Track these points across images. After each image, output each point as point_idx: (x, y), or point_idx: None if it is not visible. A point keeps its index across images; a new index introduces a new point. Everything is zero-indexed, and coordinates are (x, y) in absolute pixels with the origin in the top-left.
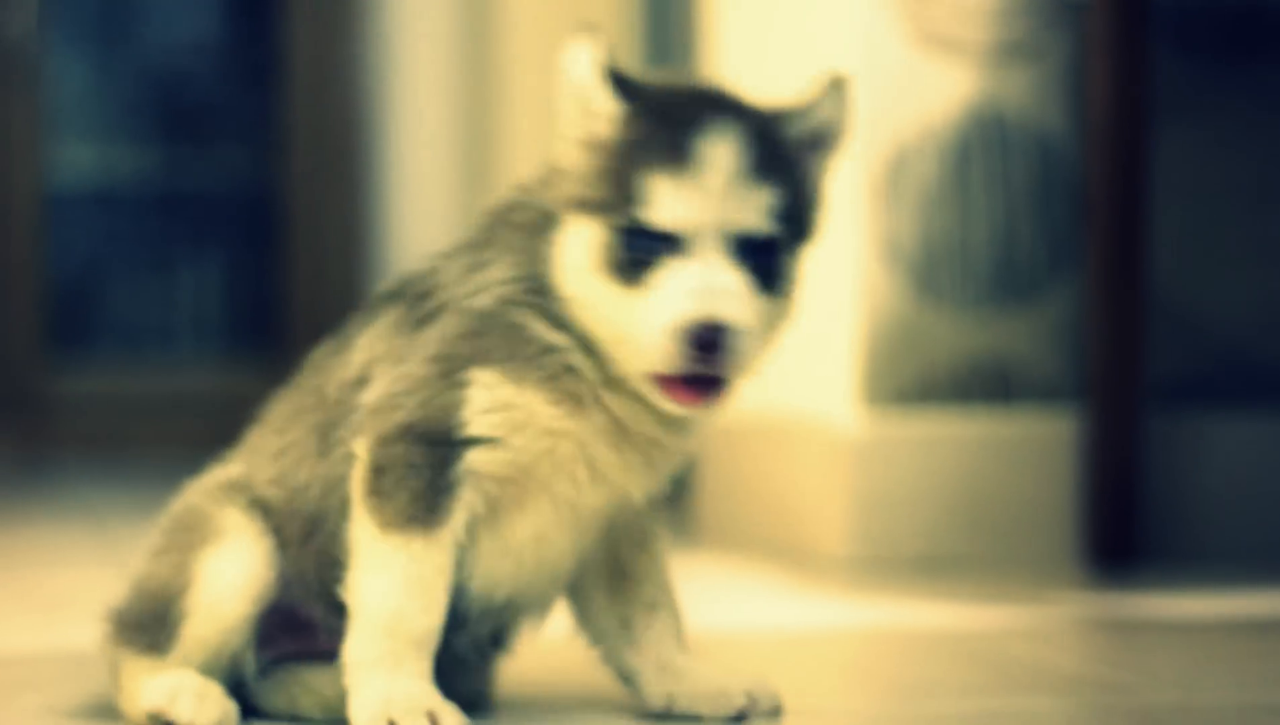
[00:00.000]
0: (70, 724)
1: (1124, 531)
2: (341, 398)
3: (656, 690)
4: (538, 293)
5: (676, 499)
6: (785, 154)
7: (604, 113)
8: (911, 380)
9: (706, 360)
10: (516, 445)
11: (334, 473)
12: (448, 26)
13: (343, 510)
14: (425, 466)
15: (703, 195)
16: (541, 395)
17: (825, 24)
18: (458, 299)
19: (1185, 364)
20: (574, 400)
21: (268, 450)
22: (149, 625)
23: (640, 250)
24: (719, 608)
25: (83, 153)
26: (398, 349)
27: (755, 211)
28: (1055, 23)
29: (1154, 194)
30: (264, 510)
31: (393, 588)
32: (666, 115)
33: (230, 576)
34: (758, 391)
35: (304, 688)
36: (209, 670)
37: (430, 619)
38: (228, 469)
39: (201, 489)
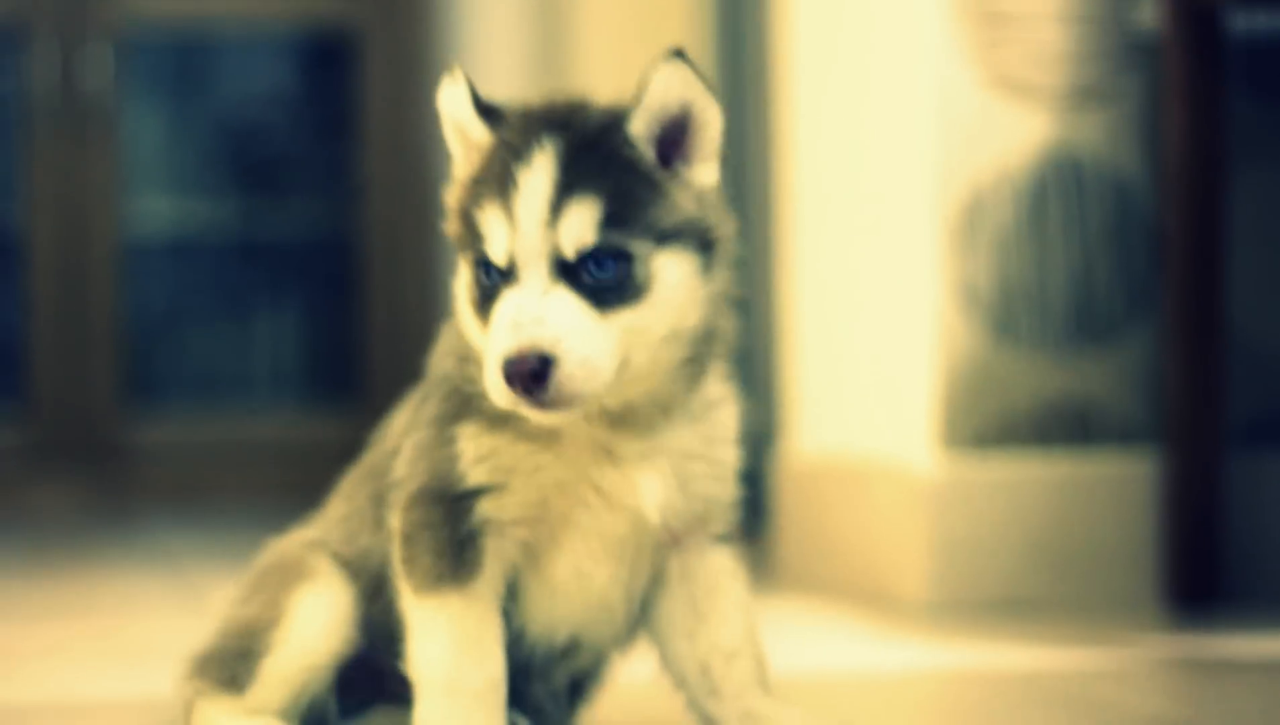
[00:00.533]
0: None
1: (1204, 572)
2: (385, 468)
3: None
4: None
5: (755, 542)
6: (621, 159)
7: (477, 145)
8: (990, 423)
9: (531, 391)
10: (517, 486)
11: (387, 543)
12: (522, 74)
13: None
14: (443, 525)
15: (523, 223)
16: (512, 435)
17: (898, 69)
18: (433, 363)
19: (1264, 404)
20: (540, 432)
21: (337, 516)
22: (231, 661)
23: (488, 284)
24: (799, 651)
25: (159, 204)
26: (415, 419)
27: (579, 228)
28: (1129, 66)
29: (1230, 235)
30: (343, 564)
31: (441, 649)
32: (506, 144)
33: (321, 614)
34: (837, 435)
35: None
36: (288, 712)
37: (486, 671)
38: (306, 531)
39: (286, 544)
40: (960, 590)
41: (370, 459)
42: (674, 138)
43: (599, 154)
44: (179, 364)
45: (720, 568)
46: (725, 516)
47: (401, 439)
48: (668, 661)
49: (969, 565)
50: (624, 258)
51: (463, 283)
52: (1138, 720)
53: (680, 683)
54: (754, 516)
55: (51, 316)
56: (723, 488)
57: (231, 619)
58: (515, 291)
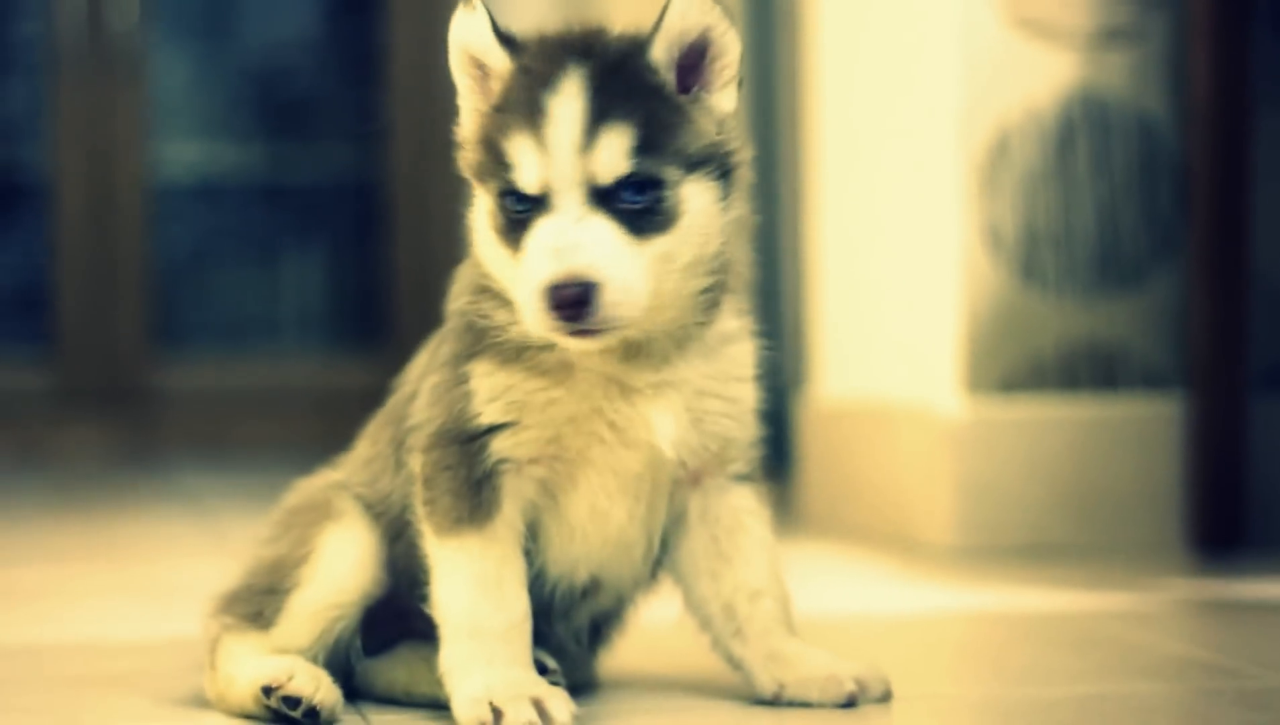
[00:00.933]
0: (181, 712)
1: (1229, 516)
2: (404, 413)
3: (765, 678)
4: (487, 278)
5: (779, 484)
6: (648, 85)
7: (497, 74)
8: (1015, 367)
9: (575, 317)
10: (530, 422)
11: (406, 487)
12: (551, 16)
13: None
14: (460, 465)
15: (556, 150)
16: (524, 372)
17: (923, 8)
18: (449, 304)
19: None
20: (553, 368)
21: (360, 459)
22: (257, 597)
23: (516, 214)
24: (823, 593)
25: (186, 148)
26: (430, 363)
27: (613, 155)
28: (1154, 5)
29: (1256, 177)
30: (366, 506)
31: (462, 590)
32: (530, 72)
33: (349, 553)
34: (862, 378)
35: (429, 665)
36: (313, 649)
37: (509, 612)
38: (332, 473)
39: (312, 485)
40: (985, 534)
41: (391, 403)
42: (693, 64)
43: (627, 80)
44: (205, 308)
45: (742, 507)
46: (745, 455)
47: (419, 382)
48: (691, 603)
49: (993, 509)
50: (656, 185)
51: (483, 214)
52: (1162, 662)
53: (705, 624)
54: (778, 459)
55: (78, 260)
56: (740, 425)
57: (258, 557)
58: (550, 219)
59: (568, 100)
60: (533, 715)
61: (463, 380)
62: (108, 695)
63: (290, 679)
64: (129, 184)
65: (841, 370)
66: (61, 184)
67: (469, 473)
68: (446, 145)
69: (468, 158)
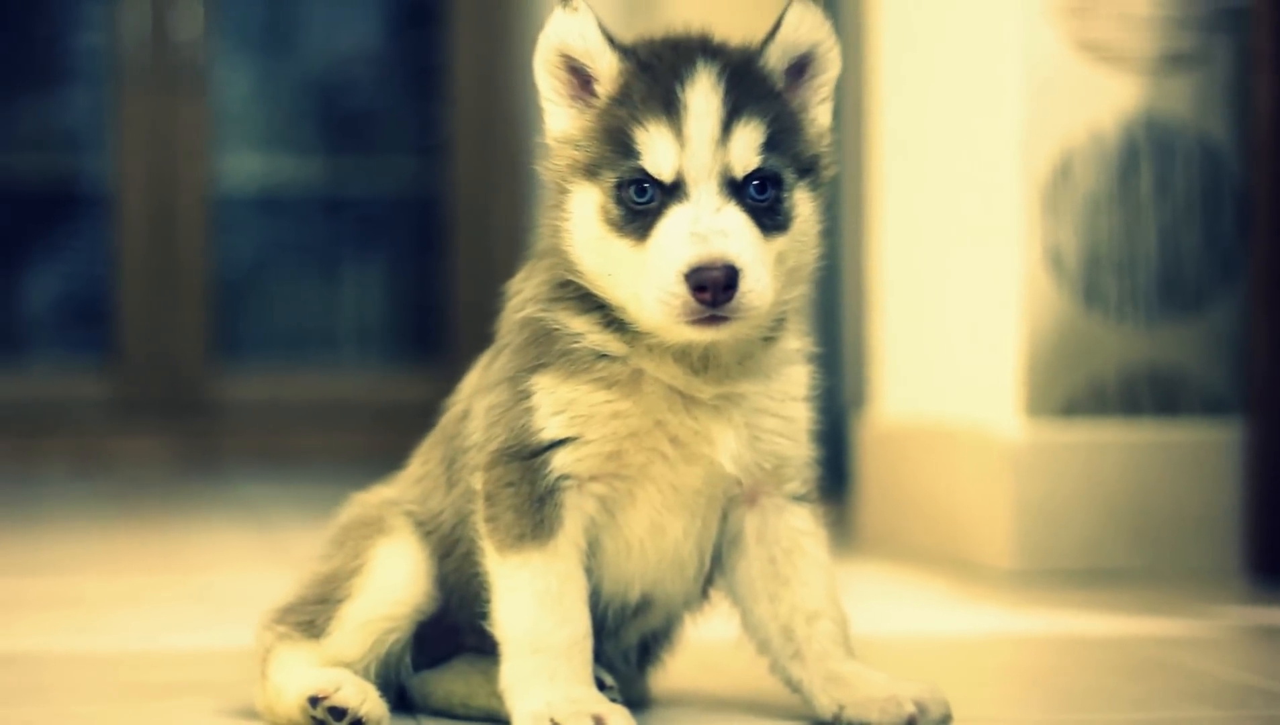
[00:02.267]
0: (236, 723)
1: None
2: (455, 432)
3: (825, 699)
4: (563, 286)
5: (837, 505)
6: (769, 89)
7: (605, 72)
8: (1075, 390)
9: (716, 301)
10: (594, 437)
11: (459, 504)
12: (613, 22)
13: (471, 539)
14: (522, 482)
15: (693, 140)
16: (591, 385)
17: (986, 32)
18: (507, 318)
19: None
20: (621, 380)
21: (412, 477)
22: (310, 607)
23: (640, 203)
24: (880, 615)
25: (247, 159)
26: (484, 380)
27: (746, 150)
28: (1218, 31)
29: None
30: (417, 524)
31: (524, 607)
32: (653, 68)
33: (402, 568)
34: (922, 399)
35: (485, 677)
36: (364, 661)
37: (571, 628)
38: (385, 490)
39: (367, 501)
40: (1043, 557)
41: (443, 422)
42: (797, 75)
43: (754, 80)
44: (265, 319)
45: (799, 528)
46: (802, 475)
47: (471, 401)
48: (750, 625)
49: (1052, 532)
50: (779, 184)
51: (586, 209)
52: (1219, 688)
53: (763, 646)
54: (836, 479)
55: (140, 271)
56: (795, 445)
57: (313, 571)
58: (687, 207)
59: (704, 93)
60: None
61: (525, 396)
62: (166, 704)
63: (337, 690)
64: (191, 195)
65: (901, 391)
66: (123, 194)
67: (531, 489)
68: (507, 160)
69: (566, 155)
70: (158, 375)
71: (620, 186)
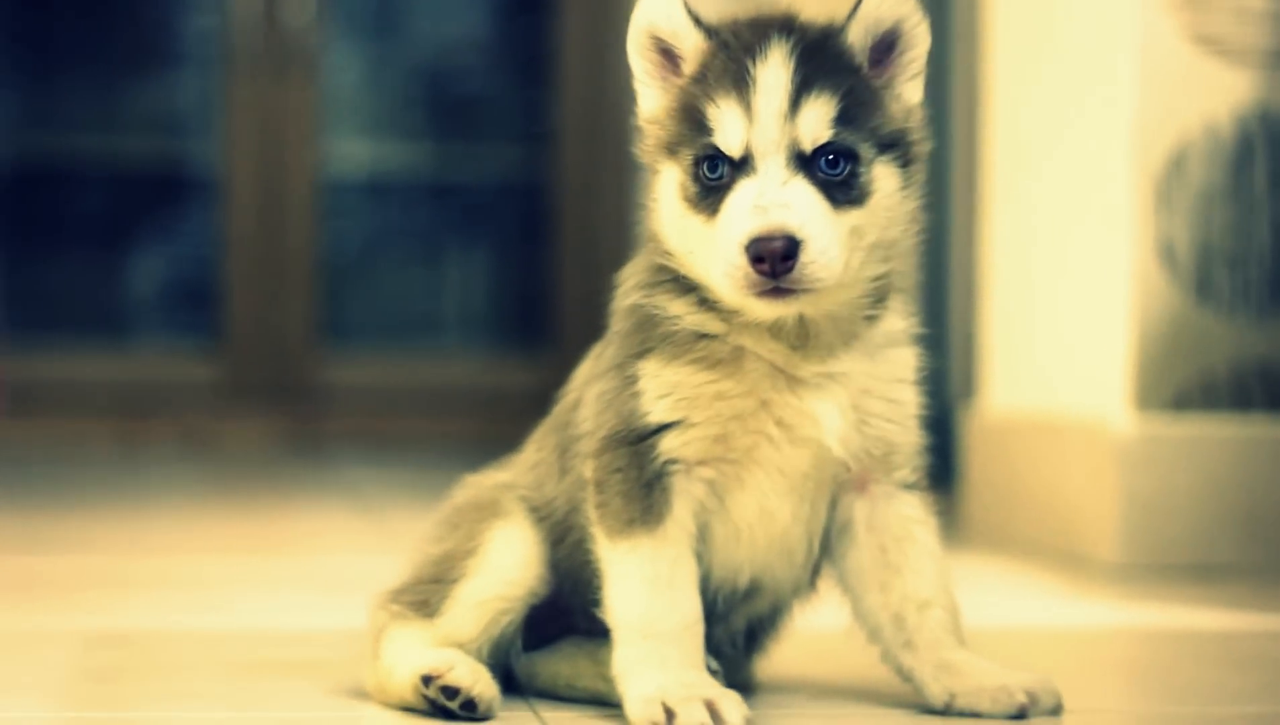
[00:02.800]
0: (347, 701)
1: None
2: (568, 420)
3: (936, 688)
4: (661, 269)
5: (945, 495)
6: (845, 64)
7: (690, 52)
8: (1185, 384)
9: (776, 272)
10: (699, 419)
11: (571, 492)
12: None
13: (583, 526)
14: (631, 467)
15: (762, 114)
16: (692, 366)
17: (1102, 26)
18: (615, 306)
19: None
20: (723, 361)
21: (527, 463)
22: (424, 587)
23: (713, 180)
24: (988, 606)
25: (356, 145)
26: (595, 368)
27: (816, 124)
28: None
29: None
30: (530, 509)
31: (635, 592)
32: (729, 46)
33: (516, 550)
34: (1031, 391)
35: (592, 659)
36: (477, 641)
37: (681, 612)
38: (499, 474)
39: (480, 483)
40: (1152, 551)
41: (556, 410)
42: (883, 53)
43: (828, 57)
44: (371, 304)
45: (910, 516)
46: (911, 462)
47: (584, 389)
48: (860, 613)
49: (1161, 526)
50: (852, 158)
51: (670, 187)
52: None
53: (874, 635)
54: (943, 469)
55: (248, 255)
56: (903, 430)
57: (426, 552)
58: (754, 180)
59: (774, 69)
60: (705, 716)
61: (631, 381)
62: (278, 683)
63: (450, 669)
64: (299, 180)
65: (1010, 382)
66: (233, 179)
67: (639, 474)
68: (615, 148)
69: (653, 134)
70: (264, 359)
71: (696, 163)
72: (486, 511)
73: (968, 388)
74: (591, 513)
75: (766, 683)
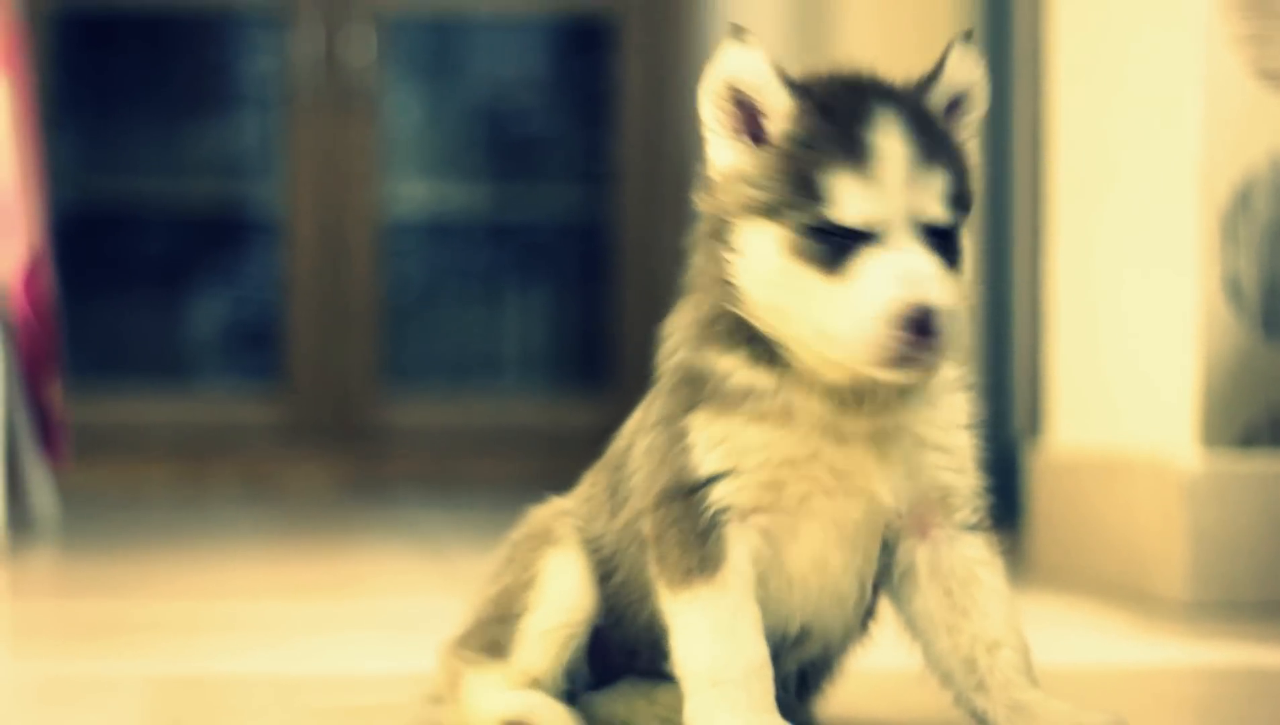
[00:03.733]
0: None
1: None
2: (620, 462)
3: None
4: (712, 323)
5: (1010, 535)
6: (945, 133)
7: (778, 110)
8: (1253, 420)
9: (919, 343)
10: (749, 466)
11: (619, 533)
12: (781, 55)
13: (631, 568)
14: (685, 519)
15: (887, 188)
16: (743, 418)
17: (1167, 62)
18: (662, 360)
19: None
20: (772, 413)
21: (582, 497)
22: (490, 627)
23: (832, 245)
24: (1056, 645)
25: (416, 185)
26: (644, 421)
27: (934, 197)
28: None
29: None
30: (585, 541)
31: (699, 640)
32: (834, 110)
33: (570, 573)
34: (1097, 429)
35: (648, 700)
36: (551, 670)
37: (747, 657)
38: (559, 502)
39: (541, 513)
40: (1219, 588)
41: (610, 451)
42: (951, 114)
43: (932, 124)
44: (432, 345)
45: (974, 558)
46: (972, 504)
47: (634, 437)
48: (931, 659)
49: (1230, 564)
50: (953, 226)
51: (771, 242)
52: None
53: (946, 679)
54: (1008, 509)
55: (310, 296)
56: (960, 474)
57: (485, 593)
58: (886, 250)
59: (893, 139)
60: None
61: (680, 435)
62: None
63: (531, 713)
64: (360, 221)
65: (1076, 420)
66: (294, 220)
67: (694, 525)
68: (675, 187)
69: (738, 192)
70: (326, 400)
71: (807, 229)
72: (539, 539)
73: (1033, 426)
74: (653, 568)
75: (827, 722)
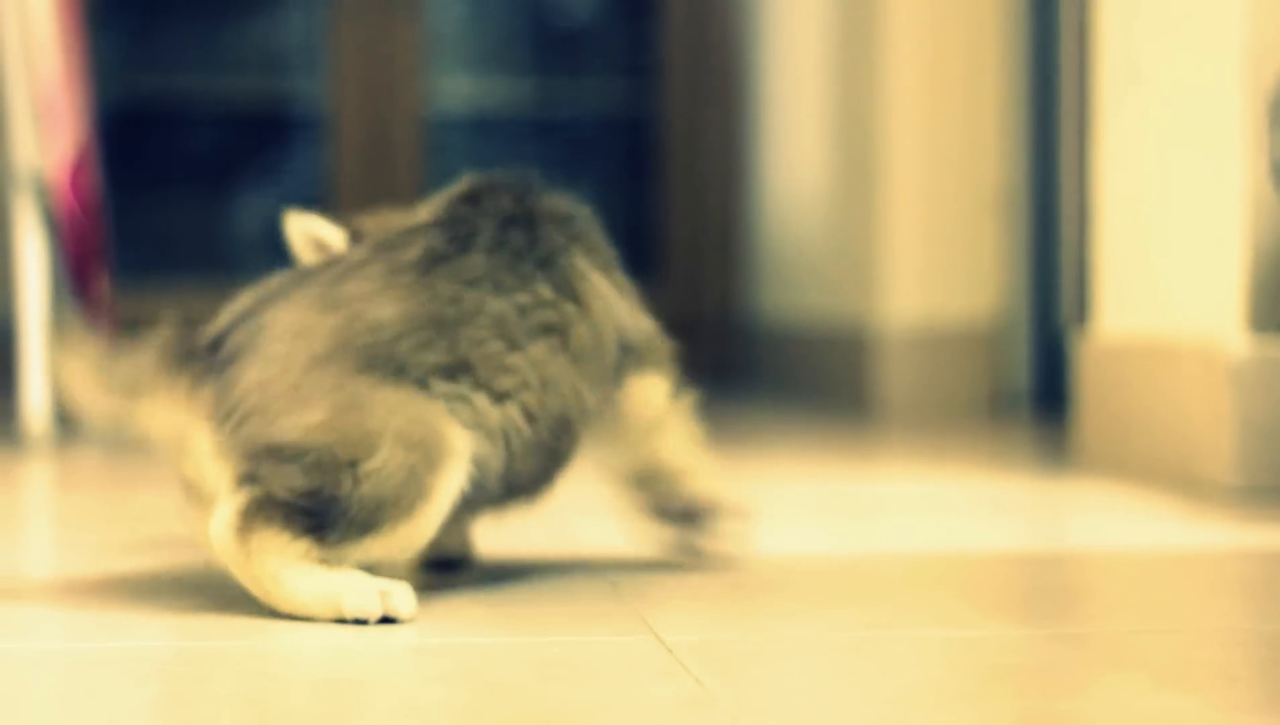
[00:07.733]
0: None
1: None
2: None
3: None
4: None
5: (1057, 420)
6: None
7: None
8: None
9: None
10: None
11: None
12: (823, 28)
13: None
14: None
15: None
16: None
17: None
18: None
19: None
20: None
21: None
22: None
23: None
24: (1105, 530)
25: (460, 81)
26: None
27: None
28: None
29: None
30: None
31: None
32: None
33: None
34: (1144, 314)
35: None
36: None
37: None
38: None
39: None
40: (1266, 473)
41: None
42: None
43: None
44: None
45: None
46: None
47: None
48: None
49: (1276, 449)
50: None
51: None
52: None
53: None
54: (1056, 396)
55: (355, 193)
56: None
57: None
58: None
59: None
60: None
61: None
62: None
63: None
64: (405, 117)
65: (1122, 307)
66: (338, 116)
67: None
68: (722, 79)
69: None
70: None
71: None
72: None
73: (1080, 313)
74: None
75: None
